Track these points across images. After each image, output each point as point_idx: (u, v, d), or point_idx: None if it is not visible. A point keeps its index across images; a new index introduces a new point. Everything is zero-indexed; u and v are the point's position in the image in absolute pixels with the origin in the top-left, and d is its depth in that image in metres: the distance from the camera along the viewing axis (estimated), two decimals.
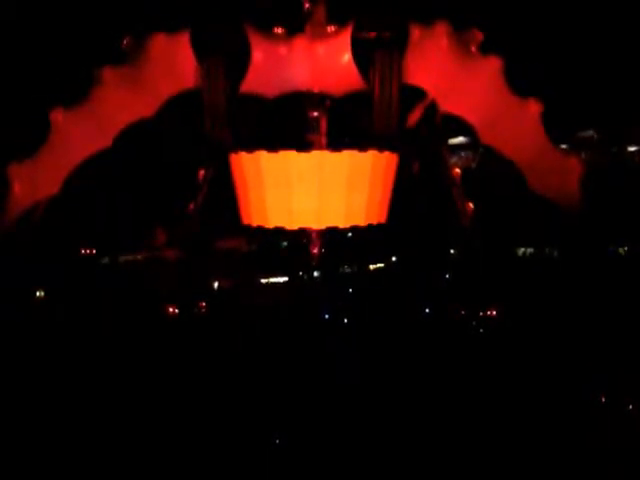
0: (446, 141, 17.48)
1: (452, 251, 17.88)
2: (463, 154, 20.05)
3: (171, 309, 15.48)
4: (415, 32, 14.84)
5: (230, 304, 16.13)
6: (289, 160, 14.14)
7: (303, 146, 15.03)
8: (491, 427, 10.33)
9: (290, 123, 16.01)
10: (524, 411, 10.64)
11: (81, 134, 15.46)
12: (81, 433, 10.25)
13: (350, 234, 16.33)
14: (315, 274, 17.03)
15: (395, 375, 11.91)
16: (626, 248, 17.18)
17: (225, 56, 15.13)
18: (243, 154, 14.52)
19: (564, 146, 17.08)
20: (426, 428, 10.36)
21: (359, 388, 11.46)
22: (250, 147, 14.44)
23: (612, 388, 11.28)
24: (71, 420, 10.60)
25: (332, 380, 11.66)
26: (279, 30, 15.26)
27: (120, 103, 15.46)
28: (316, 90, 15.34)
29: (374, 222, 14.97)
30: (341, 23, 15.10)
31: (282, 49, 14.93)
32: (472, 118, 15.55)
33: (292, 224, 14.66)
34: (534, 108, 14.93)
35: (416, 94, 15.59)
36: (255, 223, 15.00)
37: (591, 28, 18.72)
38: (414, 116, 16.04)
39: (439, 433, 10.23)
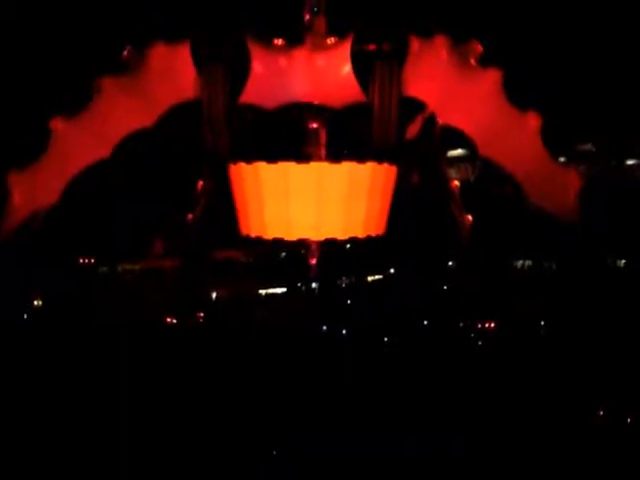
0: (445, 153, 17.52)
1: (450, 263, 17.91)
2: (462, 166, 20.07)
3: (169, 319, 15.48)
4: (415, 44, 14.80)
5: (228, 314, 16.14)
6: (288, 171, 14.13)
7: (302, 157, 15.03)
8: (489, 439, 10.33)
9: (289, 134, 16.03)
10: (522, 423, 10.64)
11: (81, 143, 15.44)
12: (79, 443, 10.26)
13: (348, 245, 16.34)
14: (313, 285, 17.04)
15: (393, 386, 11.90)
16: (624, 261, 17.21)
17: (225, 67, 15.13)
18: (242, 165, 14.50)
19: (562, 159, 17.07)
20: (428, 439, 10.36)
21: (357, 399, 11.45)
22: (249, 158, 14.42)
23: (611, 401, 11.27)
24: (70, 429, 10.61)
25: (330, 391, 11.65)
26: (279, 41, 15.26)
27: (120, 113, 15.44)
28: (315, 102, 15.32)
29: (372, 234, 14.92)
30: (341, 35, 15.11)
31: (282, 60, 14.91)
32: (471, 130, 15.52)
33: (291, 235, 14.62)
34: (533, 121, 14.90)
35: (415, 106, 15.59)
36: (254, 234, 14.96)
37: (591, 41, 18.81)
38: (413, 128, 16.04)
39: (440, 443, 10.24)
